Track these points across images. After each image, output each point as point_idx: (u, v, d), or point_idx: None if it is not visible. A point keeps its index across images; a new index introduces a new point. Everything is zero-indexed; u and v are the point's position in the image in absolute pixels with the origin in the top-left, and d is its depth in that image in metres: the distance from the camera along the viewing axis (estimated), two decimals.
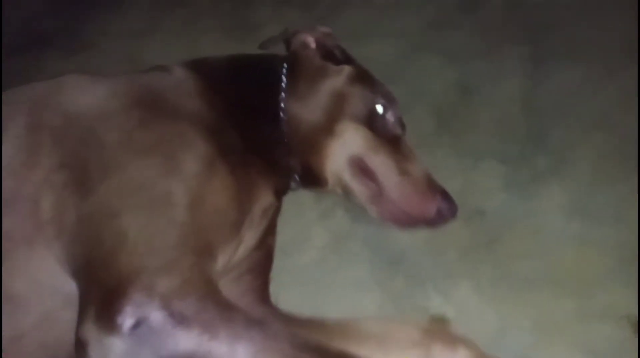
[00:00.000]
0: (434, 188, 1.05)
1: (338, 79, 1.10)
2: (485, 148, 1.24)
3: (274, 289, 1.03)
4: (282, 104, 1.09)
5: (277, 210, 1.10)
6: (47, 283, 0.86)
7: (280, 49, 1.22)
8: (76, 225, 0.85)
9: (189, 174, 0.89)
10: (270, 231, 1.08)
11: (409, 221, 1.05)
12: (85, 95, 0.99)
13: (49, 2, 2.07)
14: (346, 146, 1.06)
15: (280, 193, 1.10)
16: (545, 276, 1.02)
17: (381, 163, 1.05)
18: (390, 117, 1.09)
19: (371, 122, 1.07)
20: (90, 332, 0.74)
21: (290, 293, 1.03)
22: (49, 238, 0.85)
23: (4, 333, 0.85)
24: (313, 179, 1.11)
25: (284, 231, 1.11)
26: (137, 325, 0.72)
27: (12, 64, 1.85)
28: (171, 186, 0.86)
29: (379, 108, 1.08)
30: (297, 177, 1.12)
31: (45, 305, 0.86)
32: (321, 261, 1.11)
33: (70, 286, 0.83)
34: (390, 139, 1.07)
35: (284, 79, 1.11)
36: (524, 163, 1.20)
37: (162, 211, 0.84)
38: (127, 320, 0.72)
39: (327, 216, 1.18)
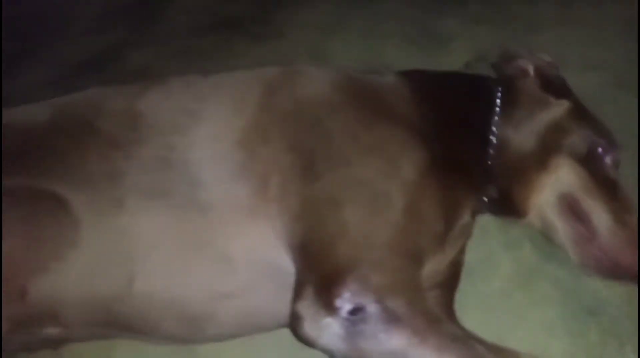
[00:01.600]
0: None
1: (558, 112, 1.09)
2: None
3: (457, 309, 1.03)
4: (494, 128, 1.09)
5: (470, 230, 1.10)
6: (261, 254, 0.93)
7: (486, 71, 1.22)
8: (299, 207, 0.92)
9: (407, 179, 0.93)
10: (461, 249, 1.09)
11: (614, 271, 1.01)
12: (314, 85, 1.06)
13: None
14: (560, 183, 1.04)
15: (475, 214, 1.10)
16: None
17: (597, 207, 1.02)
18: (608, 160, 1.06)
19: (589, 162, 1.05)
20: (309, 309, 0.81)
21: (471, 318, 1.01)
22: (272, 214, 0.93)
23: (217, 290, 0.94)
24: (510, 207, 1.10)
25: (469, 254, 1.11)
26: (354, 311, 0.78)
27: (201, 43, 2.01)
28: (391, 188, 0.92)
29: (600, 149, 1.05)
30: (488, 201, 1.11)
31: (255, 273, 0.94)
32: (507, 294, 1.08)
33: (281, 261, 0.91)
34: (607, 185, 1.04)
35: (498, 103, 1.11)
36: None
37: (381, 210, 0.89)
38: (346, 305, 0.78)
39: (514, 247, 1.15)
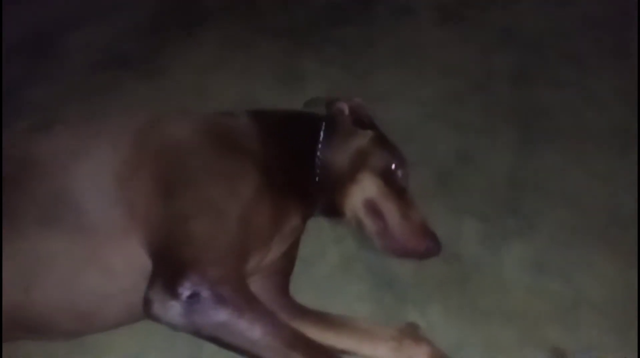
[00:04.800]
0: (426, 230, 1.37)
1: (364, 140, 1.44)
2: (470, 207, 1.58)
3: (292, 289, 1.36)
4: (318, 153, 1.41)
5: (301, 230, 1.44)
6: (135, 261, 1.16)
7: (320, 108, 1.58)
8: (159, 221, 1.15)
9: (243, 197, 1.20)
10: (294, 245, 1.42)
11: (404, 253, 1.37)
12: (177, 128, 1.32)
13: (132, 26, 2.39)
14: (364, 191, 1.38)
15: (305, 218, 1.43)
16: (497, 311, 1.33)
17: (389, 207, 1.37)
18: (400, 174, 1.41)
19: (385, 175, 1.40)
20: (157, 295, 1.03)
21: (304, 295, 1.35)
22: (139, 230, 1.16)
23: (102, 292, 1.17)
24: (333, 211, 1.44)
25: (304, 247, 1.45)
26: (191, 296, 1.02)
27: (93, 80, 2.16)
28: (228, 205, 1.17)
29: (393, 166, 1.41)
30: (320, 208, 1.45)
31: (131, 276, 1.16)
32: (331, 276, 1.43)
33: (149, 264, 1.13)
34: (398, 191, 1.40)
35: (322, 134, 1.44)
36: (498, 223, 1.54)
37: (219, 221, 1.15)
38: (185, 291, 1.01)
39: (340, 240, 1.51)
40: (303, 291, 1.36)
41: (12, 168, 1.22)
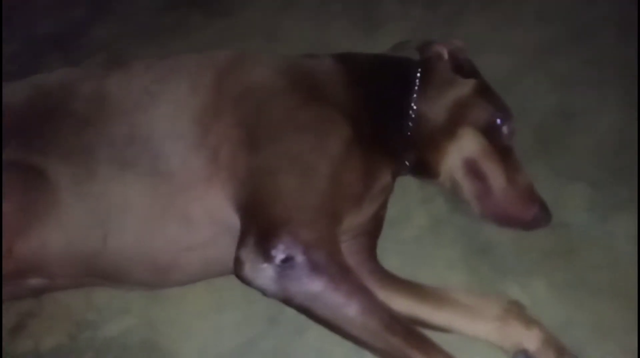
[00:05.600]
0: (534, 197, 1.24)
1: (465, 90, 1.29)
2: (578, 170, 1.40)
3: (379, 253, 1.26)
4: (413, 104, 1.28)
5: (391, 189, 1.32)
6: (216, 213, 1.10)
7: (411, 52, 1.43)
8: (245, 174, 1.08)
9: (333, 152, 1.11)
10: (383, 205, 1.31)
11: (507, 221, 1.25)
12: (259, 70, 1.23)
13: None
14: (464, 148, 1.25)
15: (395, 176, 1.32)
16: (609, 288, 1.19)
17: (493, 168, 1.24)
18: (505, 130, 1.27)
19: (488, 131, 1.25)
20: (250, 255, 0.97)
21: (390, 260, 1.25)
22: (223, 180, 1.09)
23: (180, 245, 1.12)
24: (426, 170, 1.32)
25: (390, 208, 1.33)
26: (286, 260, 0.95)
27: (160, 21, 2.11)
28: (318, 160, 1.09)
29: (497, 121, 1.26)
30: (409, 165, 1.32)
31: (212, 230, 1.11)
32: (418, 239, 1.31)
33: (233, 219, 1.07)
34: (502, 150, 1.25)
35: (417, 82, 1.30)
36: (609, 190, 1.36)
37: (309, 179, 1.06)
38: (279, 255, 0.96)
39: (428, 200, 1.39)
40: (387, 256, 1.26)
41: (83, 105, 1.15)
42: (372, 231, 1.28)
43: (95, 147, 1.10)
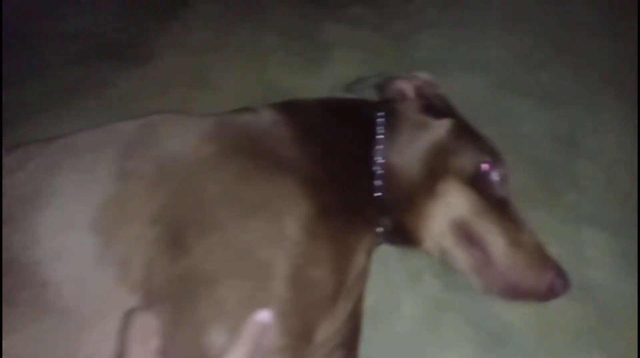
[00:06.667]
0: (546, 259, 0.96)
1: (440, 133, 1.02)
2: (593, 212, 1.13)
3: None
4: (379, 158, 1.00)
5: (367, 273, 1.02)
6: None
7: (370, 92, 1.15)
8: (166, 288, 0.79)
9: (291, 241, 0.83)
10: (359, 298, 1.00)
11: (518, 295, 0.96)
12: (178, 140, 0.92)
13: (114, 12, 2.00)
14: (450, 209, 0.97)
15: (370, 253, 1.02)
16: None
17: (490, 231, 0.96)
18: (496, 177, 1.00)
19: (476, 182, 0.98)
20: None
21: None
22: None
23: None
24: (405, 237, 1.03)
25: (369, 297, 1.03)
26: None
27: (76, 74, 1.79)
28: (274, 255, 0.81)
29: (485, 167, 0.99)
30: (385, 232, 1.04)
31: None
32: (414, 335, 1.01)
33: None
34: (497, 203, 0.98)
35: (381, 130, 1.03)
36: (630, 232, 1.09)
37: (262, 283, 0.79)
38: None
39: (416, 277, 1.09)
40: None
41: None
42: (350, 339, 0.97)
43: None
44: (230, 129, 0.96)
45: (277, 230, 0.83)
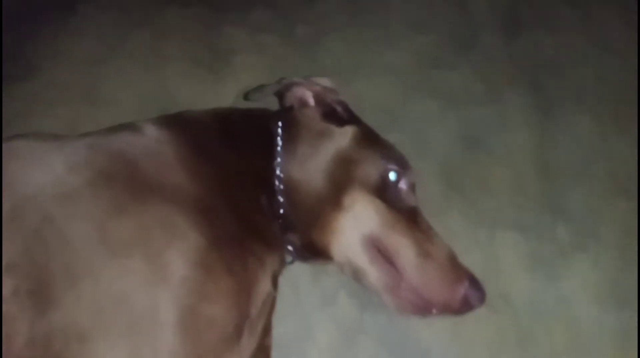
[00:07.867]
0: (459, 272, 0.91)
1: (342, 141, 0.96)
2: (501, 215, 1.10)
3: None
4: (278, 171, 0.92)
5: (273, 301, 0.93)
6: None
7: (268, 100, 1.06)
8: (26, 350, 0.67)
9: (177, 279, 0.72)
10: (266, 329, 0.91)
11: (431, 311, 0.91)
12: (38, 170, 0.79)
13: None
14: (359, 222, 0.91)
15: (276, 278, 0.93)
16: None
17: (400, 243, 0.90)
18: (403, 185, 0.95)
19: (383, 192, 0.93)
20: None
21: None
22: None
23: None
24: (315, 254, 0.96)
25: (278, 327, 0.94)
26: None
27: None
28: (157, 299, 0.71)
29: (392, 175, 0.94)
30: (292, 250, 0.96)
31: None
32: None
33: None
34: (405, 213, 0.93)
35: (279, 141, 0.95)
36: (544, 233, 1.07)
37: (146, 335, 0.69)
38: None
39: (328, 299, 1.01)
40: None
41: None
42: None
43: None
44: (103, 153, 0.83)
45: (160, 268, 0.72)
